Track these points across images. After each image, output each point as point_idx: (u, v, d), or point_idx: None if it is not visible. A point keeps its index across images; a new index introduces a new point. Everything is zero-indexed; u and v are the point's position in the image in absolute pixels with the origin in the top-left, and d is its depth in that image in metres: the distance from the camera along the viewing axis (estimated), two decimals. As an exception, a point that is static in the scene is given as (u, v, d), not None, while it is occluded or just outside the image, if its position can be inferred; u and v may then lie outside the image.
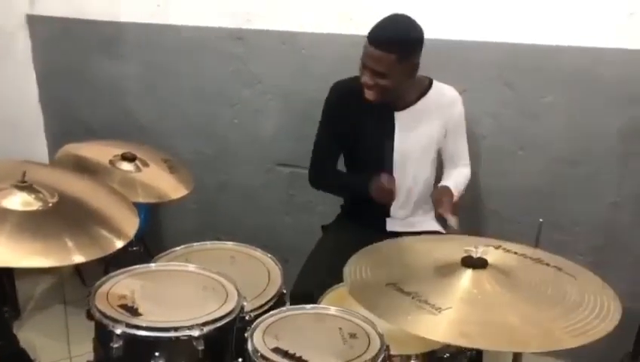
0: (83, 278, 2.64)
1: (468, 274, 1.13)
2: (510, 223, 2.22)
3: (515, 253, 1.25)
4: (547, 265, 1.22)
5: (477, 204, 2.26)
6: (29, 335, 2.32)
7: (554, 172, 2.14)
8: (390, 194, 1.77)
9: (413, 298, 1.09)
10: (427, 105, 1.86)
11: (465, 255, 1.15)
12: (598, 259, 2.12)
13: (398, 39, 1.70)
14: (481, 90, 2.14)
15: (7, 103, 2.76)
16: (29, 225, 1.23)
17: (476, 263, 1.13)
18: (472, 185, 2.20)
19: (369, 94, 1.76)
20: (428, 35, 2.09)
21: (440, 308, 1.05)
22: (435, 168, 1.97)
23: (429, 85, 1.87)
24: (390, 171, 1.87)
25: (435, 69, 2.02)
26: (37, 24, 2.63)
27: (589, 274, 1.21)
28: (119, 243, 1.30)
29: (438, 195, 1.79)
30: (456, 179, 1.93)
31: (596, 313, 1.05)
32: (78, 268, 2.67)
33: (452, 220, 1.68)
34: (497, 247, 1.26)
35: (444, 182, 1.89)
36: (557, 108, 2.08)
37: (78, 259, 1.21)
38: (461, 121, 1.92)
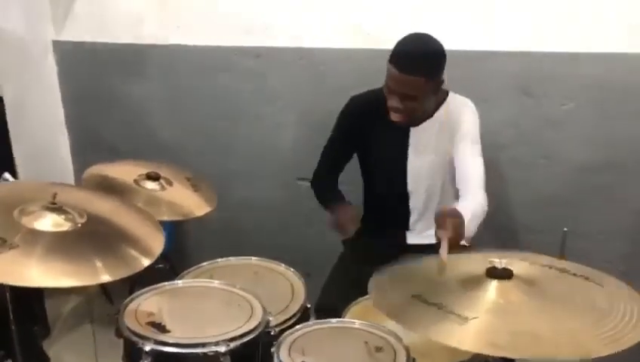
0: (110, 297, 2.67)
1: (493, 285, 1.12)
2: (534, 233, 2.20)
3: (540, 264, 1.24)
4: (573, 274, 1.20)
5: (499, 215, 2.24)
6: (58, 353, 2.36)
7: (577, 180, 2.12)
8: (344, 227, 1.76)
9: (439, 308, 1.09)
10: (440, 118, 1.82)
11: (489, 266, 1.14)
12: (626, 267, 2.09)
13: (425, 61, 1.67)
14: (500, 100, 2.14)
15: (34, 127, 2.83)
16: (60, 245, 1.26)
17: (501, 274, 1.12)
18: (495, 196, 2.18)
19: (397, 117, 1.73)
20: (445, 46, 2.11)
21: (467, 318, 1.05)
22: (453, 190, 1.87)
23: (444, 98, 1.84)
24: (404, 186, 1.86)
25: (453, 81, 2.02)
26: (62, 49, 2.70)
27: (616, 282, 1.20)
28: (146, 262, 1.32)
29: (441, 216, 1.45)
30: (469, 203, 1.67)
31: (626, 320, 1.04)
32: (104, 287, 2.71)
33: (443, 252, 1.30)
34: (522, 259, 1.25)
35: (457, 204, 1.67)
36: (578, 116, 2.06)
37: (107, 278, 1.23)
38: (470, 129, 1.79)
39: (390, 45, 2.18)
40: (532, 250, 2.16)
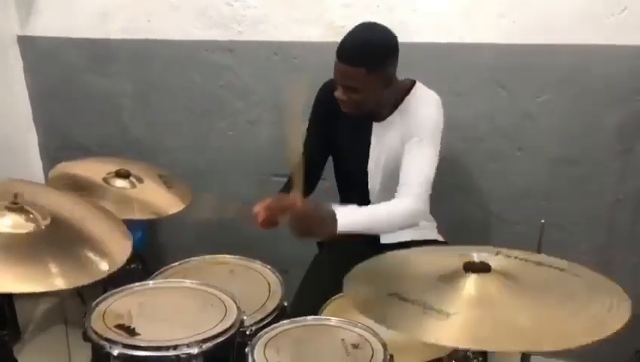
0: (83, 297, 2.61)
1: (472, 279, 1.11)
2: (511, 225, 2.21)
3: (516, 257, 1.23)
4: (549, 266, 1.19)
5: (476, 207, 2.24)
6: (30, 357, 2.30)
7: (552, 172, 2.12)
8: (254, 220, 1.66)
9: (418, 305, 1.07)
10: (402, 112, 1.71)
11: (466, 260, 1.12)
12: (602, 258, 2.11)
13: (364, 51, 1.58)
14: (474, 93, 2.13)
15: (2, 124, 2.75)
16: (17, 248, 1.20)
17: (479, 267, 1.10)
18: (472, 189, 2.19)
19: (345, 107, 1.67)
20: (417, 38, 2.10)
21: (448, 313, 1.03)
22: None
23: (408, 90, 1.72)
24: (365, 182, 1.80)
25: (426, 74, 2.01)
26: (28, 44, 2.62)
27: (592, 273, 1.19)
28: (106, 269, 1.25)
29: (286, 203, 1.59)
30: (378, 209, 1.65)
31: (605, 310, 1.03)
32: (77, 288, 2.65)
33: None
34: (496, 253, 1.24)
35: (344, 209, 1.59)
36: (553, 108, 2.07)
37: (61, 285, 1.16)
38: (423, 124, 1.66)
39: (363, 38, 2.18)
40: (508, 243, 2.17)
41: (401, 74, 2.14)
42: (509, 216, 2.21)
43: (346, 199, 1.91)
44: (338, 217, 1.52)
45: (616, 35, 1.93)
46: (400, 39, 2.14)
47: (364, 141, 1.78)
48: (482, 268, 1.11)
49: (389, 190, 1.71)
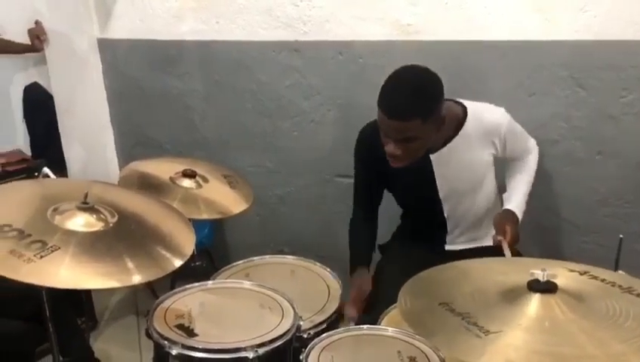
0: (154, 289, 2.72)
1: (533, 299, 1.03)
2: (586, 234, 2.07)
3: (590, 276, 1.13)
4: (628, 290, 1.08)
5: (549, 215, 2.12)
6: (104, 345, 2.42)
7: (636, 177, 1.96)
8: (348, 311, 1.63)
9: (462, 319, 1.02)
10: (466, 137, 1.65)
11: (531, 278, 1.05)
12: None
13: (416, 102, 1.48)
14: (549, 92, 2.01)
15: (82, 124, 2.91)
16: (91, 246, 1.26)
17: (544, 287, 1.03)
18: (543, 194, 2.07)
19: (396, 163, 1.57)
20: (488, 36, 2.01)
21: (488, 331, 0.97)
22: (496, 186, 1.81)
23: (464, 116, 1.65)
24: (440, 209, 1.75)
25: (497, 73, 1.92)
26: (106, 47, 2.75)
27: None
28: (177, 263, 1.30)
29: (500, 222, 1.65)
30: (522, 184, 1.77)
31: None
32: (148, 281, 2.76)
33: (507, 252, 1.55)
34: (570, 270, 1.15)
35: (508, 202, 1.74)
36: (638, 108, 1.91)
37: (139, 279, 1.22)
38: (513, 132, 1.71)
39: (430, 37, 2.11)
40: (581, 253, 2.04)
41: (471, 74, 2.08)
42: (584, 224, 2.07)
43: (416, 222, 1.88)
44: (513, 209, 1.68)
45: None
46: (470, 37, 2.07)
47: (427, 174, 1.70)
48: (547, 287, 1.03)
49: (467, 196, 1.73)
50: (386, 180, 1.80)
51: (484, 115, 1.66)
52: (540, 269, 1.04)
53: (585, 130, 2.01)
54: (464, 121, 1.64)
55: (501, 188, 1.84)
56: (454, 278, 1.21)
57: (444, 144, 1.66)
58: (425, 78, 1.53)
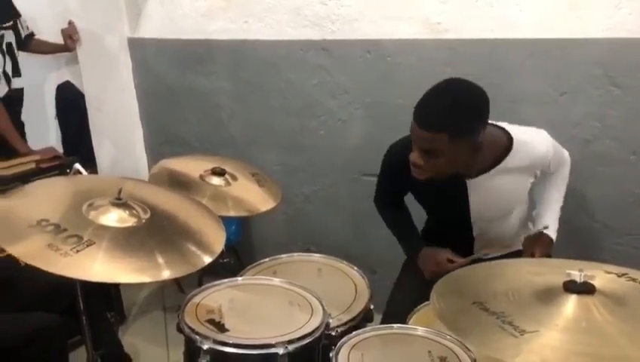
0: (181, 286, 2.76)
1: (570, 300, 1.02)
2: (620, 236, 2.03)
3: (633, 279, 1.11)
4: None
5: (582, 216, 2.08)
6: (132, 339, 2.46)
7: (673, 178, 1.92)
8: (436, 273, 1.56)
9: (497, 318, 1.01)
10: (508, 169, 1.56)
11: (567, 279, 1.03)
12: None
13: (446, 115, 1.40)
14: (582, 91, 1.97)
15: (112, 122, 2.96)
16: (124, 241, 1.28)
17: (581, 288, 1.01)
18: (576, 196, 2.03)
19: (416, 173, 1.50)
20: (520, 35, 1.98)
21: (523, 331, 0.96)
22: (528, 205, 1.76)
23: (509, 145, 1.54)
24: (469, 228, 1.70)
25: (529, 72, 1.89)
26: (137, 46, 2.79)
27: None
28: (207, 259, 1.32)
29: (530, 245, 1.62)
30: (555, 202, 1.71)
31: None
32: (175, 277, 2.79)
33: None
34: (608, 272, 1.12)
35: (540, 220, 1.69)
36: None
37: (169, 275, 1.24)
38: (555, 156, 1.64)
39: (460, 35, 2.09)
40: (615, 254, 1.99)
41: (502, 73, 2.05)
42: (619, 225, 2.03)
43: (441, 234, 1.83)
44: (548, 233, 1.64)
45: None
46: (500, 35, 2.04)
47: (461, 199, 1.63)
48: (585, 288, 1.01)
49: (498, 225, 1.69)
50: (414, 194, 1.77)
51: (531, 147, 1.56)
52: (577, 270, 1.02)
53: (619, 129, 1.97)
54: (507, 152, 1.54)
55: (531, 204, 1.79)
56: (487, 278, 1.20)
57: (484, 172, 1.56)
58: (468, 95, 1.44)
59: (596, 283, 1.04)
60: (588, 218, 2.08)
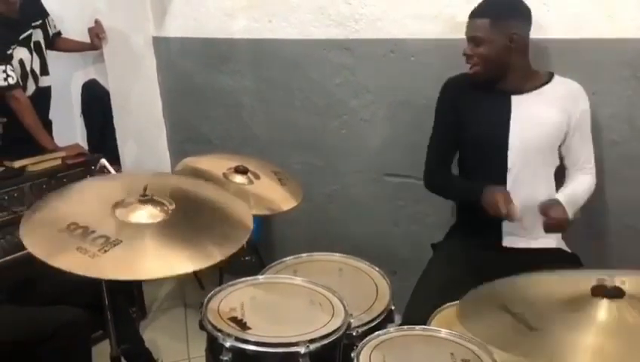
0: (201, 282, 2.78)
1: (599, 304, 1.00)
2: (649, 241, 1.98)
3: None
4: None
5: (609, 219, 2.04)
6: (152, 335, 2.49)
7: None
8: (502, 209, 1.62)
9: (523, 323, 1.01)
10: (548, 93, 1.77)
11: (596, 283, 1.01)
12: None
13: (490, 6, 1.73)
14: (612, 92, 1.93)
15: (136, 120, 3.00)
16: (164, 234, 1.28)
17: (611, 293, 0.99)
18: (603, 198, 2.00)
19: (471, 64, 1.76)
20: (548, 34, 1.95)
21: (552, 334, 0.96)
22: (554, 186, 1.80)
23: (549, 77, 1.80)
24: (505, 161, 1.76)
25: (560, 71, 1.86)
26: (161, 44, 2.82)
27: None
28: (245, 233, 1.35)
29: (546, 208, 1.66)
30: (575, 189, 1.78)
31: None
32: (196, 273, 2.82)
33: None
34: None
35: (560, 193, 1.75)
36: None
37: (219, 257, 1.24)
38: (586, 120, 1.80)
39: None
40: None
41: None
42: (647, 229, 1.98)
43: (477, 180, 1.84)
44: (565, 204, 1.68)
45: None
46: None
47: (504, 115, 1.78)
48: (615, 293, 0.99)
49: (530, 166, 1.76)
50: (462, 127, 1.84)
51: (570, 83, 1.80)
52: (607, 275, 1.00)
53: (648, 131, 1.92)
54: (550, 80, 1.79)
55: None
56: (515, 286, 1.18)
57: (526, 91, 1.77)
58: None
59: (626, 287, 1.01)
60: (616, 221, 2.03)
